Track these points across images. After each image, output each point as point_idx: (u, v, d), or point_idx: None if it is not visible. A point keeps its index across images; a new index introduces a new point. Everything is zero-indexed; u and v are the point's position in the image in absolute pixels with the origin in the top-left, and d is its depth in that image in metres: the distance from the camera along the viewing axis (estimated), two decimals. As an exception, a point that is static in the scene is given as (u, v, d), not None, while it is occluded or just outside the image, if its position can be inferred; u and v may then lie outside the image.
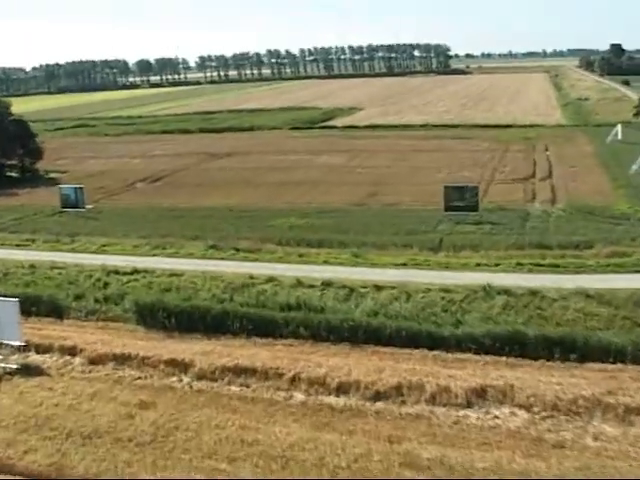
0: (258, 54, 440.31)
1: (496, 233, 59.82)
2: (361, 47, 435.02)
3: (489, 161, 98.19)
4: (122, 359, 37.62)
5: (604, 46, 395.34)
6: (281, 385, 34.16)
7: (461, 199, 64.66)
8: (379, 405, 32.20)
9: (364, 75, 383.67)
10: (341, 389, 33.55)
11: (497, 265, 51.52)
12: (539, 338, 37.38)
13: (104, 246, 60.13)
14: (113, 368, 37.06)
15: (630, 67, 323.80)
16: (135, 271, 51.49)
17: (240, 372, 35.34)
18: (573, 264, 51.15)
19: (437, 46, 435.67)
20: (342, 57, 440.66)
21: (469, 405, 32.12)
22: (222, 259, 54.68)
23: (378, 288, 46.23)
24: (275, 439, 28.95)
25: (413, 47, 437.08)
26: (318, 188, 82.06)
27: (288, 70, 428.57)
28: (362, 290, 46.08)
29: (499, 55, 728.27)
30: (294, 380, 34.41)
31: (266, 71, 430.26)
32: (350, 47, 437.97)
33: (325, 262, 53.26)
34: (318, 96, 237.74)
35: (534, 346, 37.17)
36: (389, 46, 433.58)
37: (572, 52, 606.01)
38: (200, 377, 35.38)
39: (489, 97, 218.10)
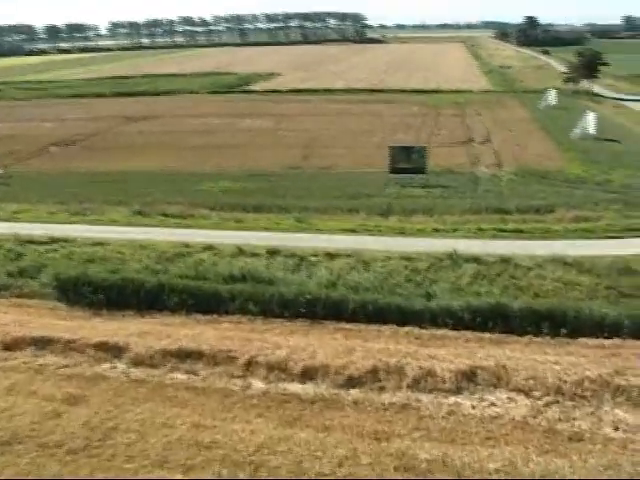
0: (171, 20, 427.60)
1: (448, 197, 55.45)
2: (276, 14, 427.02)
3: (423, 125, 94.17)
4: (43, 343, 30.99)
5: (516, 19, 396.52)
6: (235, 371, 28.57)
7: (408, 160, 59.94)
8: (355, 393, 26.97)
9: (279, 43, 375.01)
10: (307, 374, 28.18)
11: (456, 230, 47.18)
12: (525, 311, 32.77)
13: (16, 213, 53.36)
14: (32, 354, 30.38)
15: (545, 39, 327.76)
16: (53, 240, 45.07)
17: (185, 356, 29.62)
18: (539, 229, 47.15)
19: (353, 15, 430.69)
20: (257, 25, 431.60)
21: (459, 391, 27.20)
22: (150, 226, 48.71)
23: (331, 256, 41.18)
24: (238, 440, 23.40)
25: (329, 15, 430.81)
26: (247, 151, 76.40)
27: (202, 38, 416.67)
28: (313, 259, 40.93)
29: (413, 26, 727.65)
30: (250, 365, 28.87)
31: (179, 39, 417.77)
32: (265, 14, 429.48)
33: (266, 228, 47.99)
34: (234, 62, 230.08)
35: (520, 320, 32.57)
36: (305, 14, 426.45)
37: (485, 24, 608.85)
38: (138, 363, 29.41)
39: (409, 64, 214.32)
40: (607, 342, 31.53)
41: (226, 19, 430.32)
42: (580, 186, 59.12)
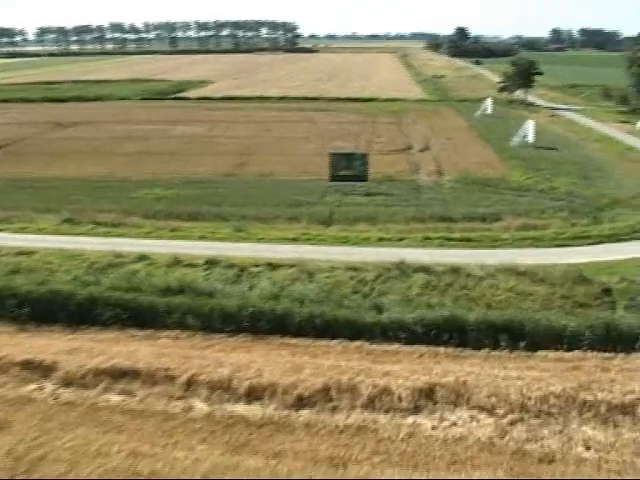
0: (101, 26, 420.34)
1: (391, 205, 53.79)
2: (207, 23, 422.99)
3: (361, 132, 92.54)
4: (-40, 363, 28.43)
5: (445, 31, 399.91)
6: (175, 392, 26.27)
7: (349, 167, 58.12)
8: (306, 415, 24.93)
9: (210, 51, 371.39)
10: (253, 394, 26.08)
11: (402, 239, 45.66)
12: (481, 324, 31.25)
13: None
14: (-52, 375, 27.74)
15: (476, 50, 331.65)
16: (-27, 249, 42.03)
17: (119, 375, 27.21)
18: (487, 237, 45.94)
19: (284, 24, 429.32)
20: (188, 33, 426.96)
21: (417, 410, 25.41)
22: (80, 234, 46.02)
23: (273, 267, 39.10)
24: (181, 469, 21.08)
25: (261, 24, 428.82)
26: (180, 158, 73.67)
27: (132, 45, 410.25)
28: (254, 269, 38.79)
29: (343, 37, 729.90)
30: (190, 384, 26.65)
31: (109, 46, 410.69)
32: (196, 22, 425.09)
33: (202, 237, 45.82)
34: (166, 70, 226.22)
35: (476, 333, 31.02)
36: (235, 22, 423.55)
37: (415, 36, 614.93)
38: (68, 383, 26.87)
39: (343, 73, 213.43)
40: (568, 355, 30.26)
41: (157, 26, 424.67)
42: (524, 194, 58.17)
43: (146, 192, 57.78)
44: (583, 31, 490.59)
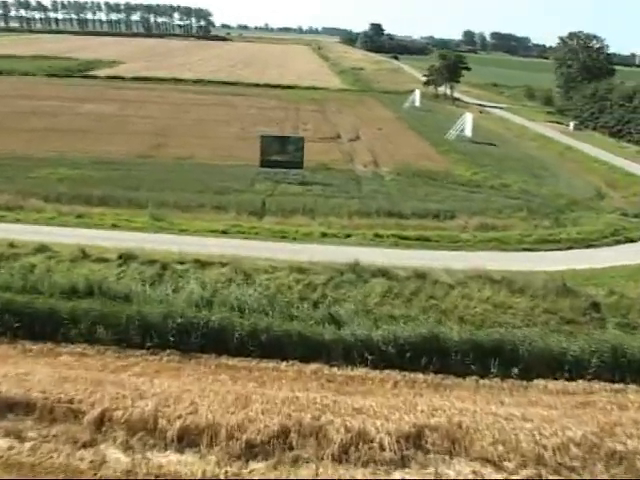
0: (5, 2, 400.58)
1: (331, 196, 47.65)
2: (118, 5, 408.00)
3: (284, 118, 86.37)
4: None
5: (357, 28, 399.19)
6: (81, 434, 19.45)
7: (282, 152, 51.59)
8: (260, 469, 18.55)
9: (121, 34, 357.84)
10: (187, 439, 19.53)
11: (349, 236, 39.72)
12: (466, 345, 25.38)
13: None
14: None
15: (392, 46, 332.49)
16: None
17: (5, 408, 20.26)
18: (445, 238, 40.49)
19: (198, 10, 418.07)
20: (98, 15, 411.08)
21: (405, 463, 19.38)
22: (-35, 219, 38.40)
23: (202, 264, 32.48)
24: None
25: (173, 9, 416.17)
26: (90, 137, 65.73)
27: (38, 25, 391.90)
28: (179, 267, 32.11)
29: (255, 28, 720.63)
30: (102, 423, 19.92)
31: (14, 24, 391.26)
32: (106, 4, 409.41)
33: (115, 226, 38.82)
34: (73, 49, 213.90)
35: (461, 357, 25.11)
36: (148, 6, 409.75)
37: (327, 30, 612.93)
38: None
39: (258, 61, 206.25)
40: (571, 385, 24.91)
41: (65, 5, 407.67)
42: (475, 190, 53.03)
43: (50, 172, 50.06)
44: (495, 35, 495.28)
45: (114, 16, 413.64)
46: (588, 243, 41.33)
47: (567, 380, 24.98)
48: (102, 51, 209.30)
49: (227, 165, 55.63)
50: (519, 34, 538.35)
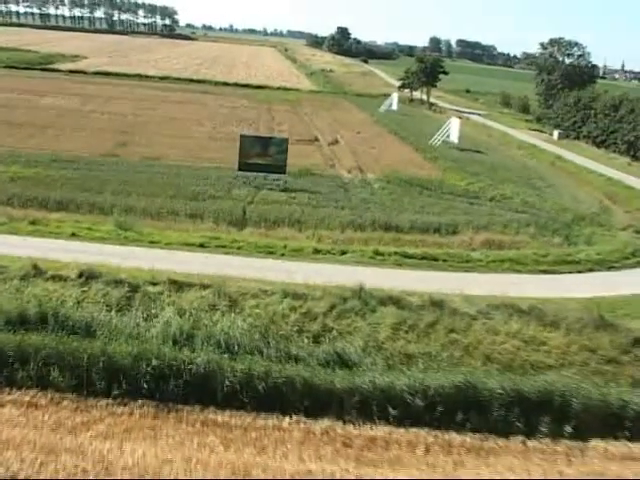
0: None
1: (319, 205, 42.73)
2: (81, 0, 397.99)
3: (257, 118, 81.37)
4: None
5: (322, 31, 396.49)
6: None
7: (263, 155, 46.48)
8: None
9: (83, 30, 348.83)
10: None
11: (344, 253, 34.76)
12: (510, 396, 20.53)
13: None
14: None
15: (358, 49, 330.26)
16: None
17: None
18: (453, 257, 35.82)
19: (163, 8, 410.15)
20: (61, 10, 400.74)
21: None
22: None
23: (179, 286, 27.32)
24: None
25: (138, 6, 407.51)
26: (49, 132, 60.12)
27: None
28: (151, 289, 26.88)
29: (220, 29, 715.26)
30: (54, 516, 14.72)
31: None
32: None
33: (75, 235, 33.56)
34: (34, 42, 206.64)
35: (504, 411, 20.28)
36: (112, 2, 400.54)
37: (292, 34, 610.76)
38: None
39: (225, 60, 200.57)
40: (636, 449, 19.98)
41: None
42: (474, 201, 48.45)
43: (0, 170, 44.48)
44: (461, 42, 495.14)
45: (77, 12, 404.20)
46: (609, 265, 37.04)
47: (628, 440, 20.33)
48: (64, 45, 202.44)
49: (201, 167, 50.50)
50: (485, 42, 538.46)
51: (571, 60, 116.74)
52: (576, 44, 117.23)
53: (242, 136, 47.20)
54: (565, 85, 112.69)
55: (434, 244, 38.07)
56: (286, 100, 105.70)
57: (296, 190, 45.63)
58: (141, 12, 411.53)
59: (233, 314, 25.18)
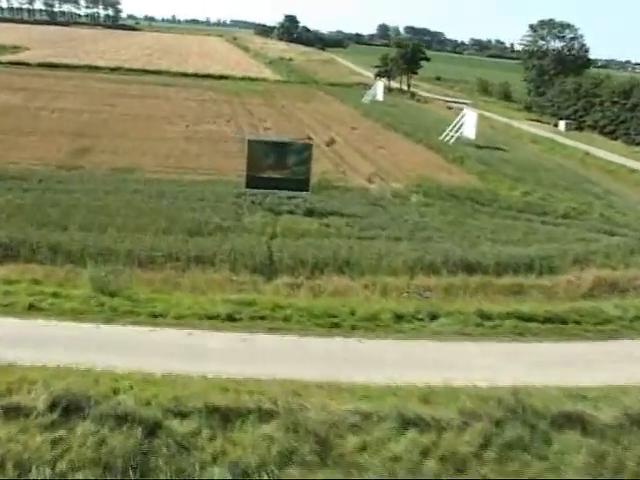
0: None
1: (363, 236, 31.52)
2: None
3: (234, 114, 69.70)
4: None
5: (267, 21, 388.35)
6: None
7: (280, 166, 34.98)
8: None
9: (23, 21, 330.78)
10: None
11: (435, 318, 23.91)
12: None
13: None
14: None
15: (309, 38, 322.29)
16: None
17: None
18: (585, 315, 24.69)
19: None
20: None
21: None
22: None
23: (223, 418, 16.07)
24: None
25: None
26: (-15, 137, 47.79)
27: None
28: (180, 427, 15.55)
29: (163, 19, 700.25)
30: None
31: None
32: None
33: (34, 308, 21.87)
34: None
35: None
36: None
37: (235, 23, 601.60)
38: None
39: (176, 50, 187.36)
40: None
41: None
42: (546, 219, 37.93)
43: None
44: (409, 29, 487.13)
45: (15, 2, 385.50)
46: None
47: None
48: (2, 36, 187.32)
49: (189, 181, 38.82)
50: (432, 29, 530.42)
51: (563, 43, 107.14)
52: (568, 26, 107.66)
53: (250, 141, 35.35)
54: (558, 71, 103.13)
55: (539, 291, 27.47)
56: (255, 92, 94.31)
57: (325, 213, 34.34)
58: (83, 3, 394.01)
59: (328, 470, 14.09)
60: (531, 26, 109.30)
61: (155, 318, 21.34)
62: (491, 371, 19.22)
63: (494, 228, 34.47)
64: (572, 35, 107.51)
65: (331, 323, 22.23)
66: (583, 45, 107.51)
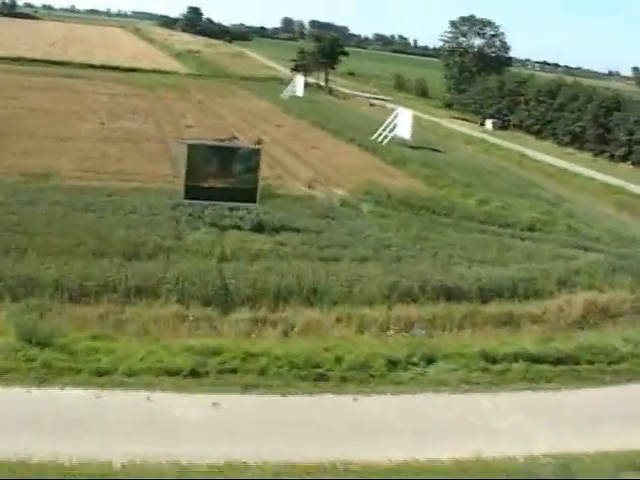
0: None
1: (325, 256, 27.47)
2: None
3: (151, 109, 64.80)
4: None
5: (168, 11, 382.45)
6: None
7: (224, 174, 30.57)
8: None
9: None
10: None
11: (431, 362, 20.37)
12: None
13: None
14: None
15: (213, 30, 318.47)
16: None
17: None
18: (596, 353, 21.52)
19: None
20: None
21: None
22: None
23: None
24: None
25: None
26: None
27: None
28: None
29: (61, 8, 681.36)
30: None
31: None
32: None
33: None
34: None
35: None
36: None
37: (136, 14, 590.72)
38: None
39: (80, 40, 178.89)
40: None
41: None
42: (511, 231, 34.78)
43: None
44: (314, 23, 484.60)
45: None
46: None
47: None
48: None
49: (116, 190, 33.95)
50: (338, 23, 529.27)
51: (484, 40, 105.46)
52: (489, 23, 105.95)
53: (190, 145, 30.63)
54: (480, 68, 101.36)
55: (529, 319, 24.33)
56: (168, 85, 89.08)
57: (275, 227, 30.19)
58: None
59: None
60: (452, 22, 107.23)
61: (101, 377, 16.97)
62: (519, 434, 15.94)
63: (463, 244, 31.02)
64: (493, 32, 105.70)
65: (316, 374, 18.34)
66: (504, 43, 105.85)
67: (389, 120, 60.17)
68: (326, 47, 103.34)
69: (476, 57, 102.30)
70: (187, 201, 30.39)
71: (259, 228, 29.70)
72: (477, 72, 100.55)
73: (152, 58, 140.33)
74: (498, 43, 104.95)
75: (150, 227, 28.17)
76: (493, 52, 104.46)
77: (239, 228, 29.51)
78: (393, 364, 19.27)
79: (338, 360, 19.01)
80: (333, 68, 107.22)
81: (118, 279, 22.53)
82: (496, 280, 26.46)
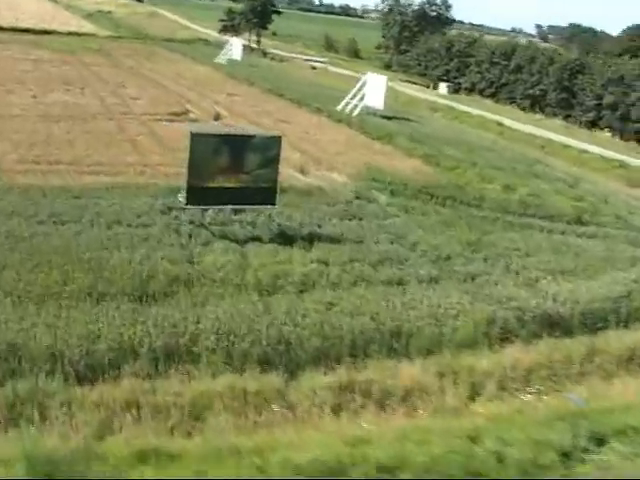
0: None
1: (389, 278, 21.40)
2: None
3: (82, 78, 57.01)
4: None
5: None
6: None
7: (235, 169, 23.71)
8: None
9: None
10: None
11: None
12: None
13: None
14: None
15: None
16: None
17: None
18: None
19: None
20: None
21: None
22: None
23: None
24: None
25: None
26: None
27: None
28: None
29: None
30: None
31: None
32: None
33: None
34: None
35: None
36: None
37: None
38: None
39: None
40: None
41: None
42: (559, 226, 29.80)
43: None
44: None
45: None
46: None
47: None
48: None
49: (82, 190, 26.83)
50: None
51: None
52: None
53: (193, 135, 23.69)
54: (422, 28, 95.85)
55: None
56: (90, 49, 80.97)
57: (304, 237, 23.79)
58: None
59: None
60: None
61: None
62: None
63: (526, 248, 25.32)
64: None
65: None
66: (445, 2, 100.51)
67: (357, 87, 53.91)
68: (258, 6, 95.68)
69: (417, 16, 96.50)
70: (181, 203, 23.68)
71: (284, 238, 23.25)
72: (419, 32, 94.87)
73: (61, 19, 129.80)
74: (439, 1, 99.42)
75: (148, 245, 21.41)
76: (433, 11, 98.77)
77: (260, 240, 22.99)
78: (565, 455, 13.46)
79: (499, 460, 13.06)
80: (266, 28, 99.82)
81: (137, 337, 15.98)
82: (594, 300, 20.94)
